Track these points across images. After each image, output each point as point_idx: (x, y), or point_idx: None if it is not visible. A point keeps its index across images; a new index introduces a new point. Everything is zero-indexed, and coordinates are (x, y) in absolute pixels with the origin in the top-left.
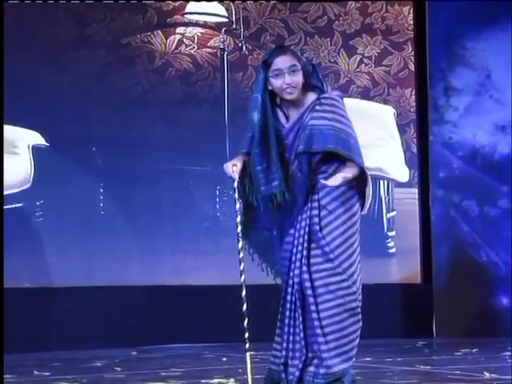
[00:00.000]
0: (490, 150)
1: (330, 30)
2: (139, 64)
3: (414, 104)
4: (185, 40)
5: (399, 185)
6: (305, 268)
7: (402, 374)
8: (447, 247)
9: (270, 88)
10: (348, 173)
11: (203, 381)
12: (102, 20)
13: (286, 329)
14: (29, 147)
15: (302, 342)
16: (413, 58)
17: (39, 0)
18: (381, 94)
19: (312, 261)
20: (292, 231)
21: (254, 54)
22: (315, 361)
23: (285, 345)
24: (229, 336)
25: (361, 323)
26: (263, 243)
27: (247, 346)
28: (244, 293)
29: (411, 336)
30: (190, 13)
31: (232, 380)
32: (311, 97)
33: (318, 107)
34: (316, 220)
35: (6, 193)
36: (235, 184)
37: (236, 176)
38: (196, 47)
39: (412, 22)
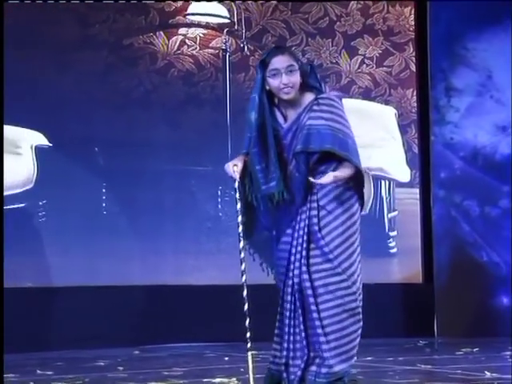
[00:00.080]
0: (491, 151)
1: (331, 31)
2: (141, 65)
3: (415, 104)
4: (187, 41)
5: (400, 185)
6: (304, 268)
7: (403, 373)
8: (448, 247)
9: (267, 88)
10: (342, 172)
11: (205, 380)
12: (105, 21)
13: (287, 329)
14: (32, 147)
15: (304, 342)
16: (414, 58)
17: (39, 0)
18: (382, 94)
19: (311, 261)
20: (289, 231)
21: (256, 55)
22: (317, 360)
23: (285, 345)
24: (230, 335)
25: (361, 323)
26: (263, 243)
27: (249, 345)
28: (245, 292)
29: (412, 335)
30: (192, 14)
31: (234, 379)
32: (309, 97)
33: (315, 107)
34: (315, 220)
35: (9, 193)
36: (236, 184)
37: (237, 176)
38: (198, 48)
39: (413, 23)
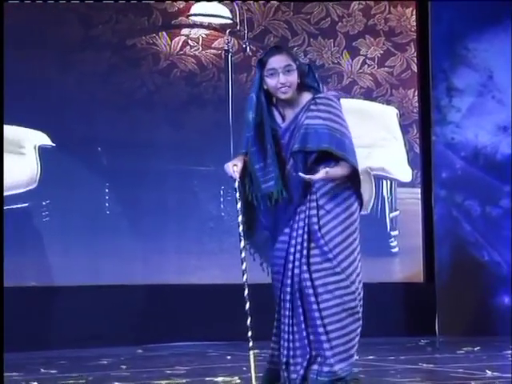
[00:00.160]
0: (492, 151)
1: (333, 32)
2: (144, 65)
3: (416, 105)
4: (189, 41)
5: (402, 185)
6: (305, 267)
7: (404, 372)
8: (449, 247)
9: (265, 87)
10: (336, 170)
11: (208, 379)
12: (108, 21)
13: (287, 328)
14: (35, 148)
15: (305, 341)
16: (415, 58)
17: (39, 0)
18: (384, 94)
19: (311, 260)
20: (287, 230)
21: (258, 55)
22: (318, 359)
23: (286, 344)
24: (233, 334)
25: (361, 322)
26: (263, 243)
27: (250, 344)
28: (246, 292)
29: (414, 334)
30: (195, 14)
31: (236, 378)
32: (306, 96)
33: (313, 107)
34: (315, 220)
35: (12, 193)
36: (236, 184)
37: (237, 176)
38: (200, 48)
39: (415, 24)
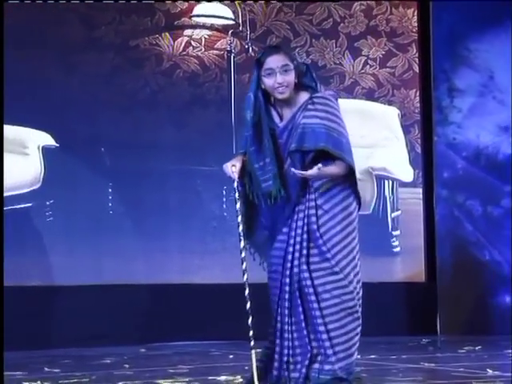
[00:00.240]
0: (494, 151)
1: (335, 32)
2: (147, 66)
3: (418, 105)
4: (192, 42)
5: (404, 185)
6: (304, 267)
7: (406, 371)
8: (451, 246)
9: (263, 87)
10: (329, 168)
11: (210, 378)
12: (111, 22)
13: (286, 327)
14: (39, 148)
15: (305, 340)
16: (417, 59)
17: (39, 0)
18: (385, 95)
19: (310, 260)
20: (286, 230)
21: None
22: (319, 358)
23: (286, 343)
24: (235, 334)
25: (360, 321)
26: (263, 243)
27: (252, 343)
28: (247, 291)
29: (415, 334)
30: (198, 15)
31: (238, 377)
32: (304, 96)
33: (310, 106)
34: (313, 219)
35: (16, 192)
36: (235, 184)
37: (235, 176)
38: (203, 49)
39: (416, 24)
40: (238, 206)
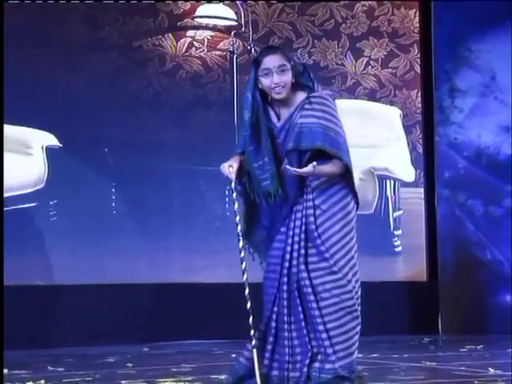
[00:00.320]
0: (495, 151)
1: (337, 33)
2: (150, 67)
3: (419, 105)
4: (195, 43)
5: (405, 184)
6: (303, 267)
7: (408, 370)
8: (452, 246)
9: (260, 87)
10: (325, 167)
11: (213, 376)
12: (114, 23)
13: (285, 326)
14: (42, 148)
15: (305, 339)
16: (419, 60)
17: (39, 0)
18: (387, 95)
19: (308, 259)
20: (284, 229)
21: None
22: (319, 357)
23: (285, 343)
24: (238, 333)
25: (359, 320)
26: (262, 242)
27: (253, 342)
28: (247, 291)
29: (417, 333)
30: (201, 16)
31: None
32: (301, 96)
33: (307, 106)
34: (311, 219)
35: (20, 192)
36: (233, 184)
37: (233, 176)
38: (206, 50)
39: (418, 25)
40: (237, 206)
